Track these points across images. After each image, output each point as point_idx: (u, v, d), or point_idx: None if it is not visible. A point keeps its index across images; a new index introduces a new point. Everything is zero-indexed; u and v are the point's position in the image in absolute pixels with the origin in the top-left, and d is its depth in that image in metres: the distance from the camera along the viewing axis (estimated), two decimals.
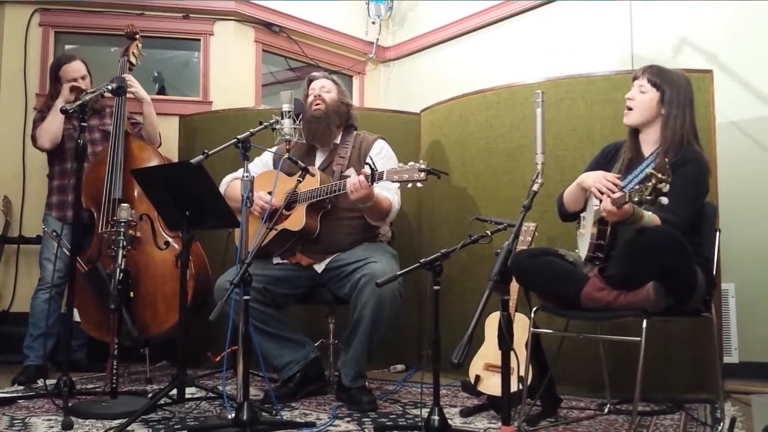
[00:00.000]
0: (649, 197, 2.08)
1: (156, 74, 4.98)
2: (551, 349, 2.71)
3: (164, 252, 3.50)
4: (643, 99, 2.61)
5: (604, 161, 2.73)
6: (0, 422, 2.57)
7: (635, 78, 2.66)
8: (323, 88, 3.27)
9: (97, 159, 3.69)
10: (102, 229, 3.51)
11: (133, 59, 3.87)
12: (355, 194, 2.83)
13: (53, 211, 3.73)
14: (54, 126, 3.63)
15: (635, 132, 2.67)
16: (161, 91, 4.97)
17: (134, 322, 3.34)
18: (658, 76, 2.60)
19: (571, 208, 2.69)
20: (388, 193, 3.06)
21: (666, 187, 2.05)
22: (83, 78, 3.76)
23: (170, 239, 3.51)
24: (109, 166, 3.57)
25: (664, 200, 2.10)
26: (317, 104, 3.21)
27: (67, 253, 3.34)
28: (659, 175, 2.05)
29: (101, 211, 3.54)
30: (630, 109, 2.64)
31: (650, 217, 2.30)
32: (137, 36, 3.90)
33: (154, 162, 3.66)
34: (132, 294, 3.38)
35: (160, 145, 3.90)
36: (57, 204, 3.73)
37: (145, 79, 4.32)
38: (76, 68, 3.74)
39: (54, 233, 3.46)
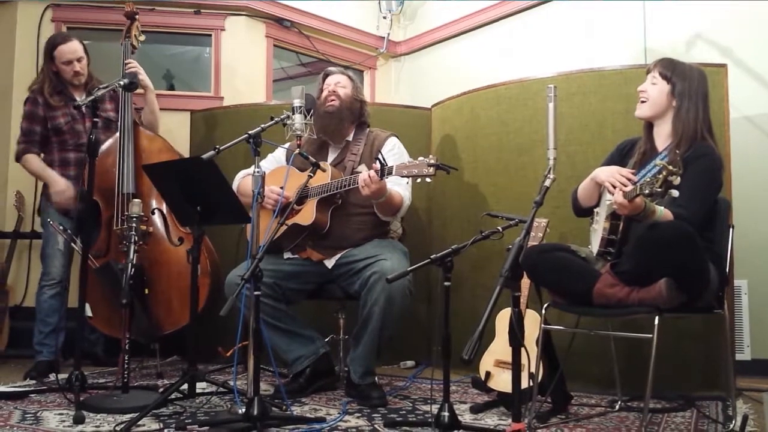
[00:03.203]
0: (659, 189, 2.08)
1: (166, 71, 4.99)
2: (562, 346, 2.69)
3: (179, 248, 3.48)
4: (654, 91, 2.60)
5: (618, 157, 2.72)
6: (12, 416, 2.60)
7: (648, 71, 2.66)
8: (338, 84, 3.25)
9: (103, 150, 3.55)
10: (116, 225, 3.47)
11: (135, 42, 3.77)
12: (367, 189, 2.82)
13: (54, 202, 3.60)
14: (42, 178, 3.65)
15: (650, 126, 2.67)
16: (170, 88, 4.97)
17: (150, 320, 3.34)
18: (668, 68, 2.60)
19: (585, 203, 2.68)
20: (399, 188, 3.05)
21: (677, 180, 2.04)
22: (79, 60, 3.63)
23: (184, 235, 3.49)
24: (119, 160, 3.54)
25: (675, 193, 2.09)
26: (332, 100, 3.20)
27: (77, 249, 3.32)
28: (670, 167, 2.04)
29: (115, 205, 3.51)
30: (643, 101, 2.63)
31: (662, 212, 2.28)
32: (137, 16, 3.79)
33: (164, 154, 3.60)
34: (147, 291, 3.38)
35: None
36: None
37: (155, 76, 4.30)
38: (72, 49, 3.60)
39: (61, 227, 3.43)
